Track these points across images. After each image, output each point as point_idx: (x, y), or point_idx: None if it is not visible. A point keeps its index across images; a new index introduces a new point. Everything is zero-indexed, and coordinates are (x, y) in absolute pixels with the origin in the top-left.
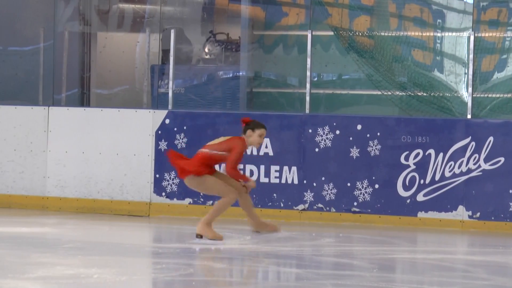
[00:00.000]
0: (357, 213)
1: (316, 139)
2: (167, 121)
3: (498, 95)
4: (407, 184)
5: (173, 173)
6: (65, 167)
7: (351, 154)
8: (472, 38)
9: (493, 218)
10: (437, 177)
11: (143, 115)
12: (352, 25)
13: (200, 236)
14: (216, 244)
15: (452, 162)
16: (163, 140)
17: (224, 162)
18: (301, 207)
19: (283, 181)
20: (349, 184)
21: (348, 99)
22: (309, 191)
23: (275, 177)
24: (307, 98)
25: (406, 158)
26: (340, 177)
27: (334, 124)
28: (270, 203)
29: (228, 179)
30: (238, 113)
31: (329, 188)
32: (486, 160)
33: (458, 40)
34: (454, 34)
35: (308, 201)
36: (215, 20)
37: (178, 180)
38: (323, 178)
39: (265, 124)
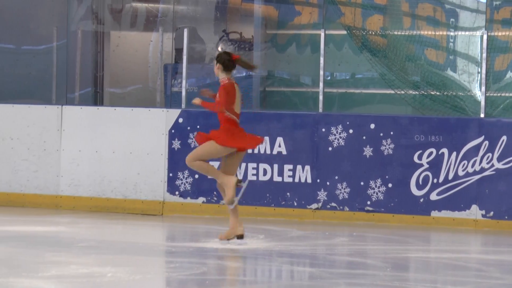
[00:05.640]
0: (371, 212)
1: (330, 138)
2: (181, 120)
3: (511, 94)
4: (421, 183)
5: (186, 172)
6: (79, 166)
7: (364, 153)
8: (485, 37)
9: (506, 217)
10: (450, 176)
11: (156, 114)
12: (365, 24)
13: (242, 237)
14: (229, 244)
15: (465, 161)
16: (176, 139)
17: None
18: (314, 206)
19: (297, 180)
20: (362, 183)
21: (361, 98)
22: (322, 190)
23: (289, 176)
24: (320, 97)
25: (420, 157)
26: (354, 176)
27: (348, 123)
28: (284, 202)
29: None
30: (252, 112)
31: (342, 187)
32: (499, 159)
33: (471, 39)
34: (467, 33)
35: (322, 200)
36: (228, 19)
37: (191, 179)
38: (336, 177)
39: (278, 123)
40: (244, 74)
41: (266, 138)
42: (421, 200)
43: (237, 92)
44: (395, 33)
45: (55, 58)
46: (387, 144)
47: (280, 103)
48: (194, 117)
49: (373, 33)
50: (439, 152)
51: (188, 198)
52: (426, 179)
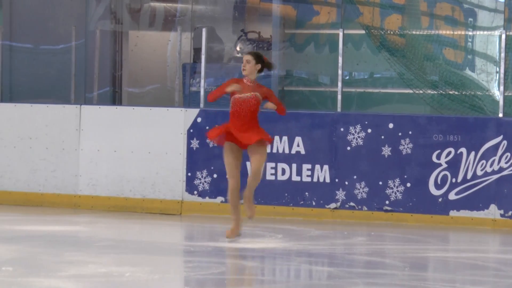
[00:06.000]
0: (389, 212)
1: (348, 137)
2: (199, 119)
3: None
4: (439, 183)
5: (205, 171)
6: (97, 166)
7: (382, 153)
8: (503, 36)
9: None
10: (469, 176)
11: (174, 113)
12: (383, 24)
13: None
14: (249, 243)
15: (484, 161)
16: (195, 139)
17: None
18: (333, 205)
19: (315, 179)
20: (381, 183)
21: (379, 98)
22: (341, 190)
23: (307, 176)
24: (339, 97)
25: (438, 157)
26: (372, 175)
27: (366, 122)
28: (302, 202)
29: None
30: (270, 112)
31: (361, 187)
32: None
33: (490, 39)
34: (485, 32)
35: (340, 200)
36: (247, 18)
37: (210, 179)
38: (355, 177)
39: (297, 122)
40: (262, 73)
41: (285, 138)
42: (440, 199)
43: None
44: (414, 32)
45: (74, 57)
46: (405, 143)
47: (298, 102)
48: (212, 117)
49: (392, 32)
50: (458, 152)
51: (207, 197)
52: (444, 178)
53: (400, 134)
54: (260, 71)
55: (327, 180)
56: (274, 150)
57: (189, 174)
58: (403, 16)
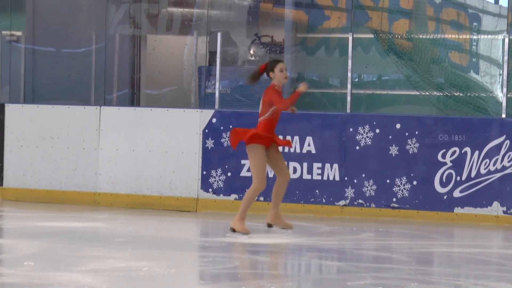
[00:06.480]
0: (396, 209)
1: (357, 137)
2: (214, 120)
3: None
4: (444, 181)
5: (219, 170)
6: (116, 164)
7: (390, 152)
8: (506, 40)
9: None
10: (473, 174)
11: (190, 114)
12: (391, 28)
13: (233, 230)
14: (262, 238)
15: (487, 160)
16: (210, 139)
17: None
18: (342, 202)
19: (325, 177)
20: (388, 181)
21: (387, 99)
22: (350, 188)
23: (317, 174)
24: (348, 98)
25: (443, 156)
26: (380, 174)
27: (374, 123)
28: (313, 199)
29: (279, 161)
30: (282, 113)
31: (369, 185)
32: None
33: (493, 43)
34: (489, 36)
35: (349, 197)
36: (260, 23)
37: (224, 177)
38: (363, 175)
39: (308, 123)
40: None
41: (296, 138)
42: (445, 197)
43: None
44: (420, 36)
45: (94, 60)
46: (412, 143)
47: (309, 104)
48: (227, 117)
49: (399, 36)
50: (462, 151)
51: (221, 195)
52: (449, 177)
53: (407, 134)
54: (269, 76)
55: (337, 178)
56: (286, 150)
57: (204, 172)
58: (411, 20)
